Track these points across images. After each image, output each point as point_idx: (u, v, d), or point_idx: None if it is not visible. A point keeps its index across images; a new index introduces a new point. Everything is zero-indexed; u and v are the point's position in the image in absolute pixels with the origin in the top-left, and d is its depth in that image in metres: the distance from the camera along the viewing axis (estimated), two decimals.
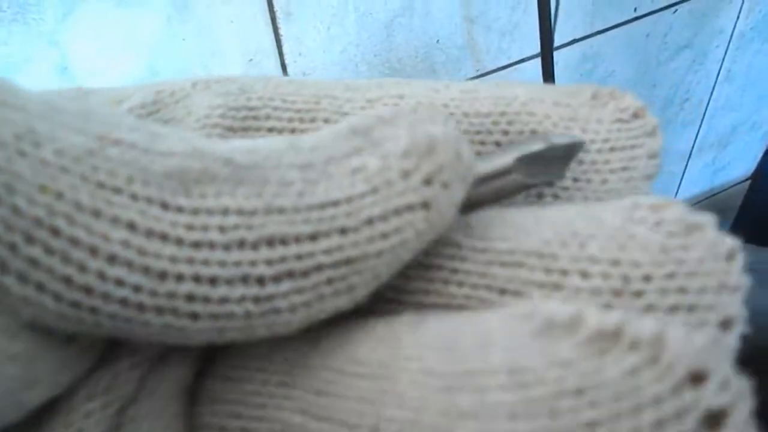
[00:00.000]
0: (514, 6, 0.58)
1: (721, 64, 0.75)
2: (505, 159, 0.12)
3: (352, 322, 0.11)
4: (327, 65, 0.55)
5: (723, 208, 0.91)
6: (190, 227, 0.09)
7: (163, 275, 0.09)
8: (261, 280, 0.10)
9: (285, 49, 0.53)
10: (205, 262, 0.09)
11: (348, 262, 0.10)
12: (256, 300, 0.10)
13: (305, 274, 0.10)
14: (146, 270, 0.09)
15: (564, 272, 0.10)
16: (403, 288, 0.11)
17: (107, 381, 0.11)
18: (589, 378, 0.08)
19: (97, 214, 0.09)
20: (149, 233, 0.09)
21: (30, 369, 0.10)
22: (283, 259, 0.10)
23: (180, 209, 0.09)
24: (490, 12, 0.58)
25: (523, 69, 0.63)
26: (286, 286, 0.10)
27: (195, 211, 0.09)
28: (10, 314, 0.09)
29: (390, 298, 0.12)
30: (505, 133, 0.13)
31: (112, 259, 0.09)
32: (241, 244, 0.09)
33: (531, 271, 0.10)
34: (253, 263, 0.09)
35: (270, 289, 0.10)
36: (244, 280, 0.10)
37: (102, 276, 0.09)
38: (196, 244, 0.09)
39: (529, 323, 0.09)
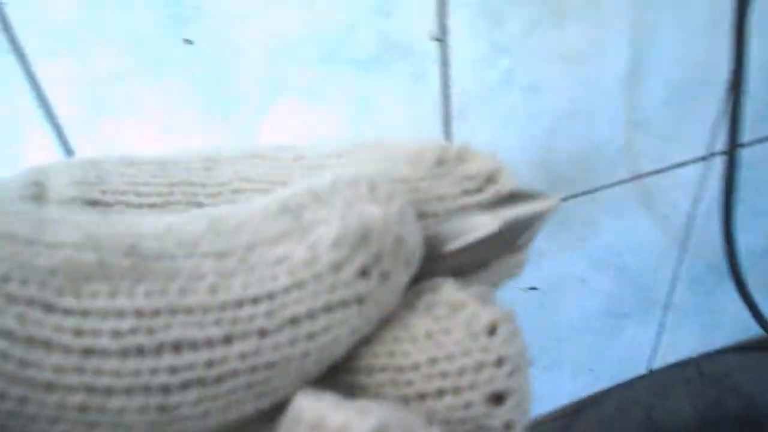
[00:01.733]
0: (678, 113, 0.58)
1: None
2: (489, 227, 0.10)
3: None
4: None
5: None
6: (78, 333, 0.08)
7: (49, 387, 0.08)
8: (166, 389, 0.09)
9: None
10: (97, 372, 0.08)
11: (268, 366, 0.09)
12: (162, 409, 0.09)
13: (219, 380, 0.09)
14: (31, 382, 0.08)
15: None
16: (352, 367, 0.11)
17: None
18: None
19: None
20: (30, 341, 0.08)
21: None
22: (190, 366, 0.09)
23: (67, 312, 0.08)
24: (653, 116, 0.57)
25: (680, 174, 0.62)
26: (195, 394, 0.09)
27: (84, 313, 0.08)
28: None
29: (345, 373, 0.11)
30: None
31: None
32: (140, 350, 0.08)
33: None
34: (154, 371, 0.08)
35: (177, 398, 0.09)
36: (146, 389, 0.08)
37: None
38: (86, 351, 0.08)
39: None
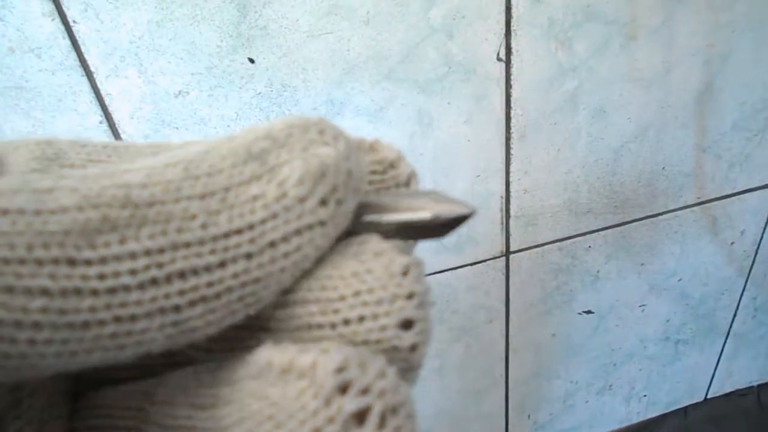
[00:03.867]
0: (750, 137, 0.56)
1: None
2: (423, 214, 0.12)
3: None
4: (549, 184, 0.55)
5: None
6: (102, 277, 0.10)
7: (86, 325, 0.10)
8: (177, 308, 0.10)
9: (513, 167, 0.53)
10: (123, 305, 0.10)
11: (255, 281, 0.11)
12: (175, 324, 0.10)
13: (218, 296, 0.10)
14: (70, 325, 0.10)
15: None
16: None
17: None
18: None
19: (10, 290, 0.09)
20: (64, 293, 0.09)
21: None
22: (195, 288, 0.10)
23: (88, 262, 0.10)
24: (723, 142, 0.55)
25: (746, 199, 0.60)
26: (200, 308, 0.10)
27: (103, 261, 0.10)
28: None
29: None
30: None
31: (36, 326, 0.09)
32: (154, 281, 0.10)
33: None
34: (167, 296, 0.10)
35: (186, 314, 0.10)
36: (162, 311, 0.10)
37: (32, 342, 0.09)
38: (111, 290, 0.10)
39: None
